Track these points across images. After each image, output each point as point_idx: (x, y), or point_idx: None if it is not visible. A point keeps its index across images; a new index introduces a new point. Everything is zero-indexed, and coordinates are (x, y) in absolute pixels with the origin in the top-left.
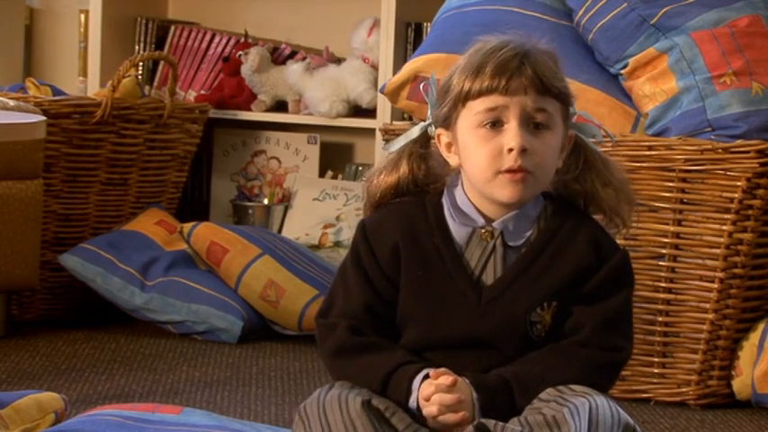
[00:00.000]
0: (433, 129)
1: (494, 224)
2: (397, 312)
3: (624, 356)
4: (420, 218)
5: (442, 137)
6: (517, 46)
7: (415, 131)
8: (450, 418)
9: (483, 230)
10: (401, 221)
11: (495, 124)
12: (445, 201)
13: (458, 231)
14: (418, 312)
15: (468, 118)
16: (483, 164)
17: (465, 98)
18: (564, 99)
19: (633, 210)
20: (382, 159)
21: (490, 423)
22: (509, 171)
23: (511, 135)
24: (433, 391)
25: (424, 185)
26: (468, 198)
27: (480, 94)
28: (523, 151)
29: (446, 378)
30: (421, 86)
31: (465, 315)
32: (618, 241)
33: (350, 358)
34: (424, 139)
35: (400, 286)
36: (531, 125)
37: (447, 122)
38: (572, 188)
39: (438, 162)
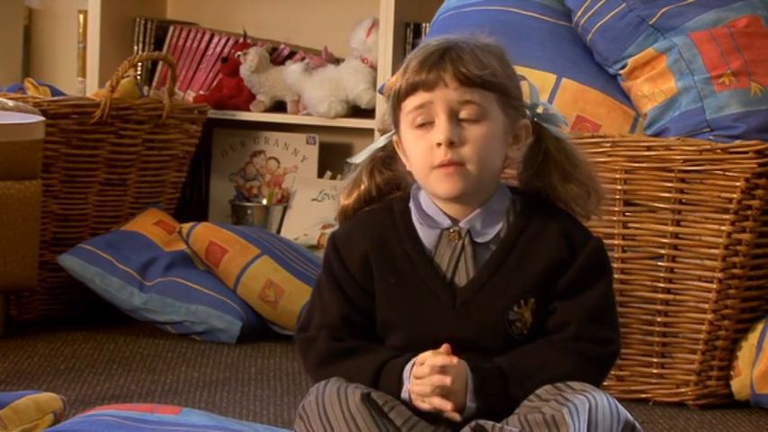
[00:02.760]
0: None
1: (460, 224)
2: (377, 320)
3: (615, 348)
4: (388, 225)
5: (398, 143)
6: (443, 42)
7: (380, 142)
8: (435, 401)
9: (450, 231)
10: (370, 230)
11: (427, 122)
12: (412, 205)
13: (426, 235)
14: (397, 319)
15: (404, 119)
16: (420, 162)
17: (398, 98)
18: (496, 88)
19: (602, 202)
20: (349, 173)
21: (488, 424)
22: (441, 165)
23: (438, 130)
24: (427, 372)
25: (389, 193)
26: (431, 200)
27: (407, 93)
28: (451, 144)
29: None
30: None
31: (442, 319)
32: (616, 242)
33: (335, 364)
34: (389, 147)
35: (375, 295)
36: (461, 117)
37: (396, 127)
38: (532, 185)
39: (403, 165)
